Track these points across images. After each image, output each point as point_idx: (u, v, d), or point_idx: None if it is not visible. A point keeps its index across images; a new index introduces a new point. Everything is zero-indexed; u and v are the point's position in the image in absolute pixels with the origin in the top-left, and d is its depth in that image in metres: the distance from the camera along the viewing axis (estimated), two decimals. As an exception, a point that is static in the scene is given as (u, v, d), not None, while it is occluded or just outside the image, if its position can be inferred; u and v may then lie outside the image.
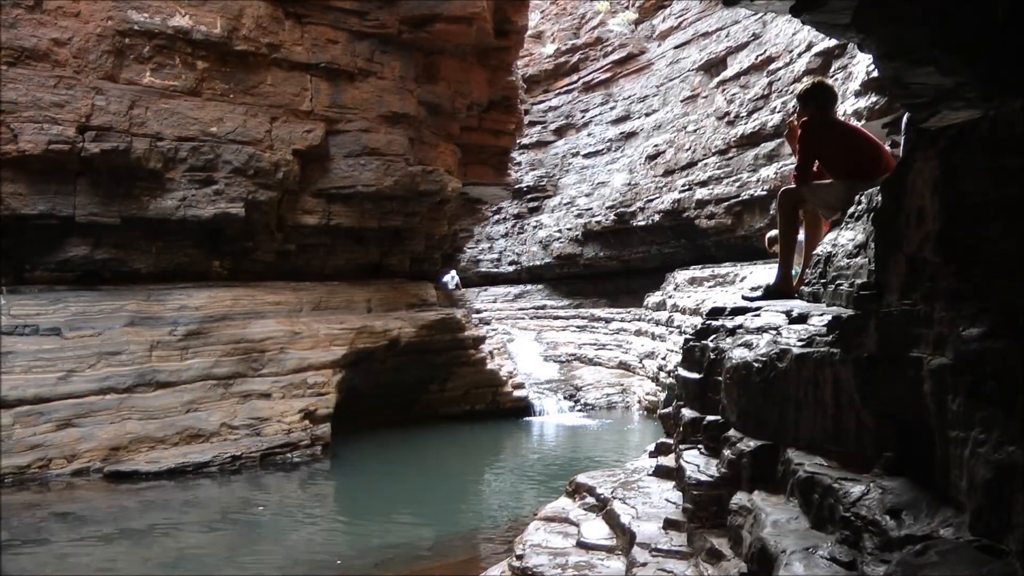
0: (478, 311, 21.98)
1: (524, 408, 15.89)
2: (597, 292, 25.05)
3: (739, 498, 3.06)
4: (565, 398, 17.03)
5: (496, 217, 29.21)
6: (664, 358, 15.40)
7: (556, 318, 23.89)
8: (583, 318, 22.89)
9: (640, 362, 17.92)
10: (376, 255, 14.51)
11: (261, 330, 11.74)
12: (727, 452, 3.37)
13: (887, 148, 5.42)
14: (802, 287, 4.66)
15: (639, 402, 16.68)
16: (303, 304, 12.80)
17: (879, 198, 2.73)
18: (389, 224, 13.79)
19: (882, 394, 2.39)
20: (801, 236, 5.58)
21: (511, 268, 29.13)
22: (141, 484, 9.45)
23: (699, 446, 3.88)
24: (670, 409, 4.98)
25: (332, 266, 13.95)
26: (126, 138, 10.54)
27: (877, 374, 2.40)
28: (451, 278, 23.51)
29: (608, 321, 21.63)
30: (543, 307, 25.65)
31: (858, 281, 3.01)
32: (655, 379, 16.02)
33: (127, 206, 10.98)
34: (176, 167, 11.14)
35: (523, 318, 24.77)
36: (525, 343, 21.32)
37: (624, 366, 18.93)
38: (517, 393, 16.04)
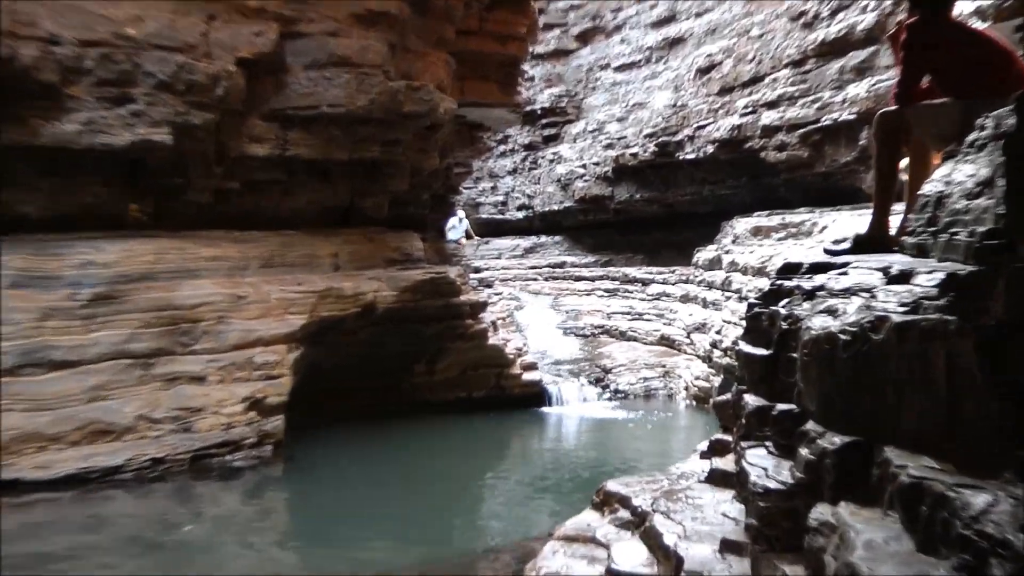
0: (477, 270, 22.27)
1: (537, 395, 16.12)
2: (631, 246, 25.17)
3: (820, 512, 3.03)
4: (590, 383, 17.32)
5: (502, 148, 29.27)
6: (719, 331, 15.57)
7: (578, 279, 24.10)
8: (613, 279, 23.11)
9: (688, 337, 18.13)
10: (346, 196, 14.60)
11: (193, 293, 11.70)
12: (804, 451, 3.35)
13: (1020, 57, 5.26)
14: (904, 237, 4.60)
15: (686, 388, 16.86)
16: (249, 260, 12.74)
17: (1011, 121, 2.70)
18: (363, 156, 13.84)
19: (1013, 374, 2.34)
20: (903, 171, 5.56)
21: (520, 214, 29.28)
22: (26, 497, 9.12)
23: (767, 444, 3.87)
24: (728, 396, 5.00)
25: (288, 210, 13.94)
26: (8, 42, 10.24)
27: (1007, 348, 2.36)
28: (459, 222, 23.77)
29: (646, 283, 21.81)
30: (561, 265, 25.81)
31: (980, 229, 2.97)
32: (707, 359, 16.21)
33: (11, 131, 10.69)
34: (79, 81, 10.91)
35: (535, 279, 24.95)
36: (538, 311, 21.48)
37: (667, 342, 19.15)
38: (528, 376, 16.21)
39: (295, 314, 12.52)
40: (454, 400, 15.19)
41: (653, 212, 23.86)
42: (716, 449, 5.28)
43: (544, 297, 22.57)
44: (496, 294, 20.30)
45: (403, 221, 15.87)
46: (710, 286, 17.27)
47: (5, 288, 10.70)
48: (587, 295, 22.62)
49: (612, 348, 19.18)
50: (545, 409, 15.94)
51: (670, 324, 19.13)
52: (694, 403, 16.09)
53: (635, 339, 19.57)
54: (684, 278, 19.67)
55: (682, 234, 22.24)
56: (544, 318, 20.68)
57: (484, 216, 29.62)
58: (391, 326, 14.35)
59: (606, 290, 22.52)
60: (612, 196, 24.44)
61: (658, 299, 20.51)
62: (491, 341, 15.78)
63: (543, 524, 8.59)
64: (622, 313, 20.84)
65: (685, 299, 18.87)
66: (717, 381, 14.76)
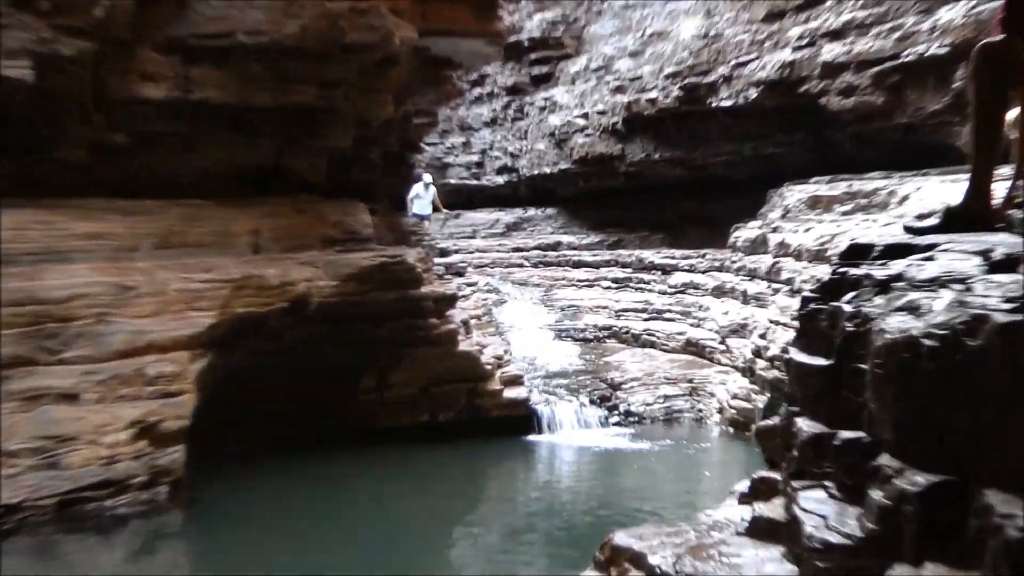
0: (444, 252, 22.20)
1: (522, 419, 16.28)
2: (648, 222, 25.63)
3: (899, 574, 3.01)
4: (593, 403, 17.37)
5: (477, 92, 29.58)
6: (764, 335, 15.68)
7: (577, 265, 24.59)
8: (624, 266, 23.53)
9: (722, 342, 18.34)
10: (270, 154, 14.73)
11: (64, 283, 11.63)
12: (877, 494, 3.30)
13: None
14: (1011, 211, 4.58)
15: (720, 410, 17.02)
16: (140, 239, 12.74)
17: None
18: (292, 101, 13.94)
19: None
20: (1012, 124, 5.59)
21: (501, 179, 29.66)
22: None
23: (827, 484, 3.83)
24: (775, 421, 4.99)
25: (193, 173, 14.07)
26: None
27: None
28: (425, 190, 23.65)
29: (667, 271, 22.15)
30: (555, 246, 26.30)
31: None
32: (748, 371, 16.35)
33: None
34: None
35: (521, 265, 25.46)
36: (524, 308, 21.84)
37: (695, 348, 19.39)
38: (510, 393, 16.38)
39: (201, 311, 12.48)
40: (413, 425, 15.36)
41: (677, 177, 23.96)
42: (759, 491, 5.11)
43: (532, 289, 22.81)
44: (469, 285, 20.31)
45: (346, 188, 15.92)
46: (752, 275, 17.39)
47: None
48: (589, 286, 22.86)
49: (622, 357, 19.34)
50: (533, 437, 16.07)
51: (699, 325, 19.29)
52: (731, 430, 16.24)
53: (652, 344, 19.77)
54: (717, 264, 19.83)
55: (715, 206, 22.41)
56: (532, 317, 20.95)
57: (453, 181, 29.65)
58: (330, 327, 14.45)
59: (614, 280, 22.77)
60: (623, 155, 24.53)
61: (683, 292, 20.70)
62: (462, 347, 15.90)
63: (530, 590, 8.93)
64: (635, 310, 21.03)
65: (719, 292, 19.04)
66: (761, 401, 14.84)
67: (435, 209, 24.77)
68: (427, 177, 23.59)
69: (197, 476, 11.70)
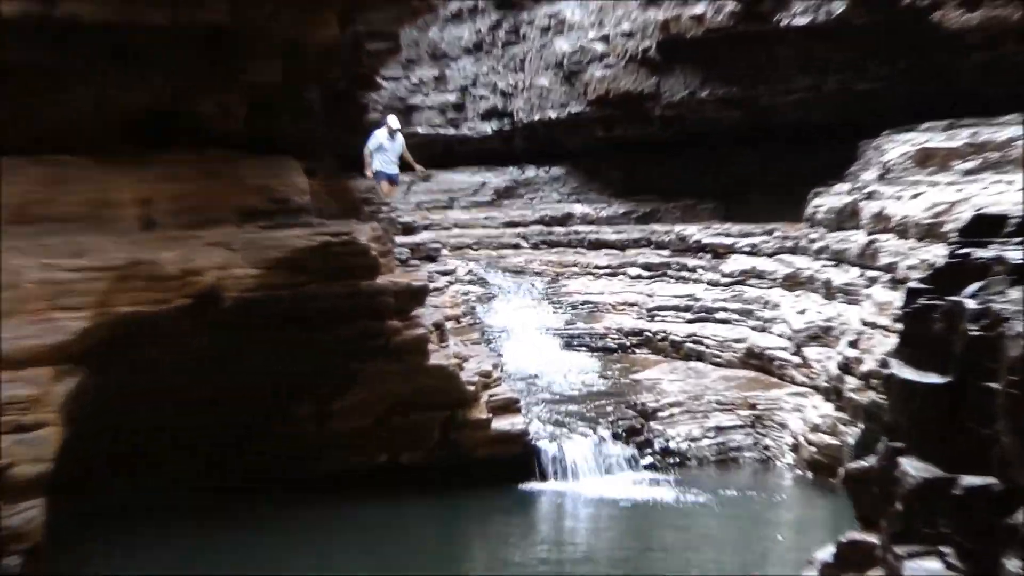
0: (410, 228, 22.21)
1: (519, 460, 16.41)
2: (693, 185, 25.92)
3: None
4: (617, 437, 17.43)
5: (455, 5, 29.66)
6: (856, 342, 15.59)
7: (596, 245, 24.88)
8: (660, 246, 23.70)
9: (797, 352, 18.36)
10: (166, 95, 14.82)
11: None
12: (1015, 565, 3.32)
13: None
14: None
15: (795, 448, 17.16)
16: (-19, 210, 13.04)
17: None
18: (198, 20, 13.93)
19: None
20: None
21: (489, 127, 29.96)
22: None
23: (943, 549, 3.83)
24: (870, 462, 5.05)
25: (60, 120, 13.99)
26: None
27: None
28: (390, 140, 23.42)
29: (719, 254, 22.26)
30: (564, 219, 26.66)
31: None
32: (833, 392, 16.27)
33: None
34: None
35: (517, 245, 25.78)
36: (522, 306, 21.91)
37: (759, 361, 19.49)
38: (501, 424, 16.41)
39: (70, 311, 12.33)
40: (366, 469, 15.48)
41: (732, 123, 24.52)
42: (849, 560, 5.22)
43: (532, 280, 22.99)
44: (444, 274, 20.58)
45: (274, 141, 15.95)
46: (838, 259, 17.42)
47: None
48: (611, 276, 23.04)
49: (658, 373, 19.38)
50: (533, 486, 16.20)
51: (765, 329, 19.31)
52: (809, 474, 16.34)
53: (700, 356, 19.86)
54: (790, 245, 19.89)
55: (785, 164, 23.13)
56: (533, 318, 21.07)
57: (422, 130, 29.89)
58: (251, 333, 14.44)
59: (646, 267, 22.91)
60: (657, 94, 24.75)
61: (742, 283, 20.78)
62: (435, 360, 15.79)
63: None
64: (676, 309, 21.12)
65: (792, 283, 19.08)
66: (851, 434, 14.83)
67: (406, 167, 24.52)
68: (393, 121, 23.32)
69: (64, 540, 11.45)
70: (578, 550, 14.65)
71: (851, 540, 5.30)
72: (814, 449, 16.37)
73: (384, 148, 23.09)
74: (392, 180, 23.71)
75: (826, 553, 5.70)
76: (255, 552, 13.04)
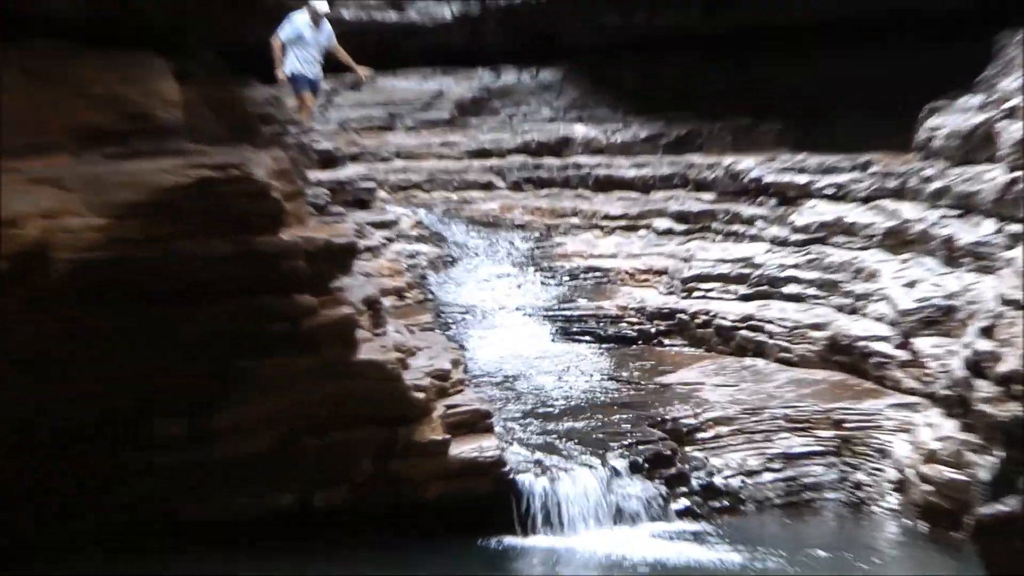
0: (331, 159, 21.33)
1: (489, 503, 15.42)
2: (746, 98, 26.21)
3: None
4: (636, 470, 16.30)
5: None
6: (991, 328, 14.51)
7: (605, 186, 25.83)
8: (700, 186, 23.89)
9: (904, 344, 17.74)
10: None
11: None
12: None
13: None
14: None
15: (900, 485, 16.43)
16: None
17: None
18: None
19: None
20: None
21: (447, 9, 31.48)
22: None
23: None
24: (1012, 505, 5.98)
25: None
26: None
27: None
28: (309, 32, 22.65)
29: (789, 199, 22.08)
30: (558, 147, 27.73)
31: None
32: (958, 403, 15.16)
33: None
34: None
35: (489, 184, 26.92)
36: (495, 273, 22.72)
37: (846, 356, 18.88)
38: (464, 449, 15.66)
39: None
40: (261, 516, 14.94)
41: (811, 9, 24.34)
42: None
43: (512, 236, 23.81)
44: (382, 227, 21.01)
45: (126, 32, 15.17)
46: (964, 206, 17.01)
47: None
48: (629, 230, 23.45)
49: (696, 374, 19.34)
50: (512, 541, 15.25)
51: (857, 310, 18.72)
52: (923, 524, 15.42)
53: (759, 349, 19.76)
54: (893, 185, 19.61)
55: (885, 66, 23.18)
56: (511, 292, 21.81)
57: (350, 15, 30.89)
58: (95, 311, 13.72)
59: (679, 217, 23.29)
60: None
61: (822, 240, 20.49)
62: (366, 354, 14.90)
63: None
64: (724, 279, 21.21)
65: (896, 242, 18.56)
66: (984, 464, 14.03)
67: (341, 66, 24.12)
68: (321, 3, 22.83)
69: None
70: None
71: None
72: (929, 488, 15.51)
73: (305, 40, 22.26)
74: (314, 87, 23.16)
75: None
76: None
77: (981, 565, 5.33)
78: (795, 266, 20.68)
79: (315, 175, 18.78)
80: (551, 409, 18.19)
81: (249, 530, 14.85)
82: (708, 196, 22.83)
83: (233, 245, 14.46)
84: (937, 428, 15.96)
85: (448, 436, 15.78)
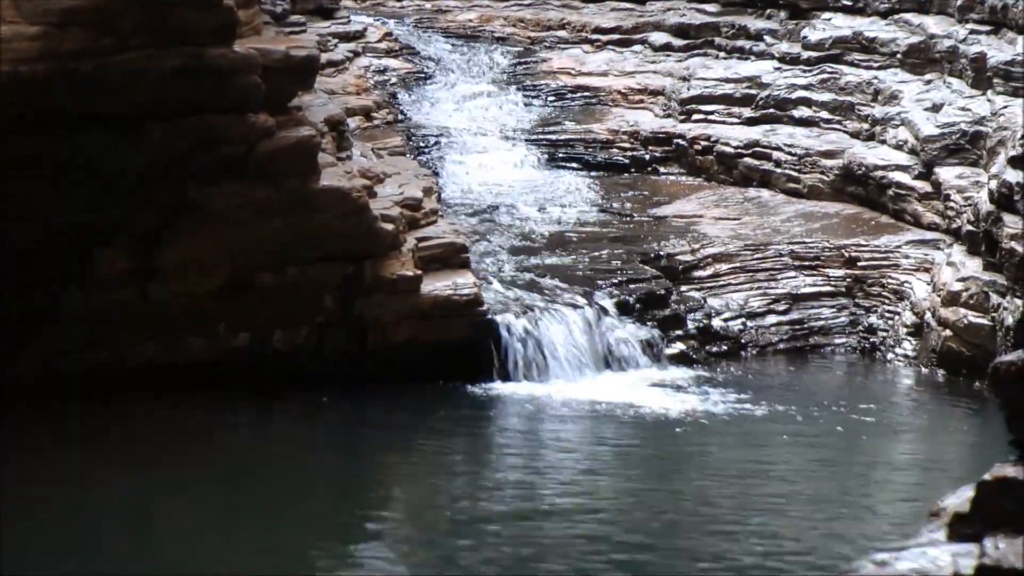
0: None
1: (466, 346, 16.30)
2: None
3: None
4: (627, 310, 16.96)
5: None
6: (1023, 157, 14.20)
7: None
8: None
9: (926, 173, 19.15)
10: None
11: None
12: None
13: None
14: None
15: (916, 329, 17.31)
16: None
17: None
18: None
19: None
20: None
21: None
22: None
23: None
24: None
25: None
26: None
27: None
28: None
29: (801, 10, 23.74)
30: None
31: None
32: (985, 240, 16.10)
33: None
34: None
35: None
36: (472, 92, 22.57)
37: (861, 187, 20.53)
38: (437, 286, 16.46)
39: None
40: (215, 359, 15.60)
41: None
42: (994, 507, 4.83)
43: (491, 50, 23.74)
44: (347, 39, 20.90)
45: None
46: (995, 21, 18.51)
47: None
48: (621, 45, 22.96)
49: (694, 205, 19.84)
50: (490, 388, 15.72)
51: (874, 136, 19.64)
52: (941, 372, 15.85)
53: (764, 178, 20.26)
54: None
55: None
56: (489, 113, 21.71)
57: None
58: (28, 134, 14.61)
59: (678, 31, 23.13)
60: None
61: (837, 58, 21.09)
62: (329, 181, 15.65)
63: None
64: (727, 100, 20.97)
65: (919, 60, 19.24)
66: (1010, 310, 14.64)
67: None
68: None
69: None
70: (558, 508, 13.50)
71: (1000, 478, 4.92)
72: (948, 332, 16.34)
73: None
74: None
75: (960, 498, 5.32)
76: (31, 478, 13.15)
77: (1001, 419, 5.04)
78: (806, 87, 20.67)
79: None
80: (533, 243, 18.25)
81: (203, 375, 15.50)
82: (711, 7, 23.00)
83: (180, 58, 15.43)
84: (959, 268, 16.38)
85: (419, 272, 16.30)
